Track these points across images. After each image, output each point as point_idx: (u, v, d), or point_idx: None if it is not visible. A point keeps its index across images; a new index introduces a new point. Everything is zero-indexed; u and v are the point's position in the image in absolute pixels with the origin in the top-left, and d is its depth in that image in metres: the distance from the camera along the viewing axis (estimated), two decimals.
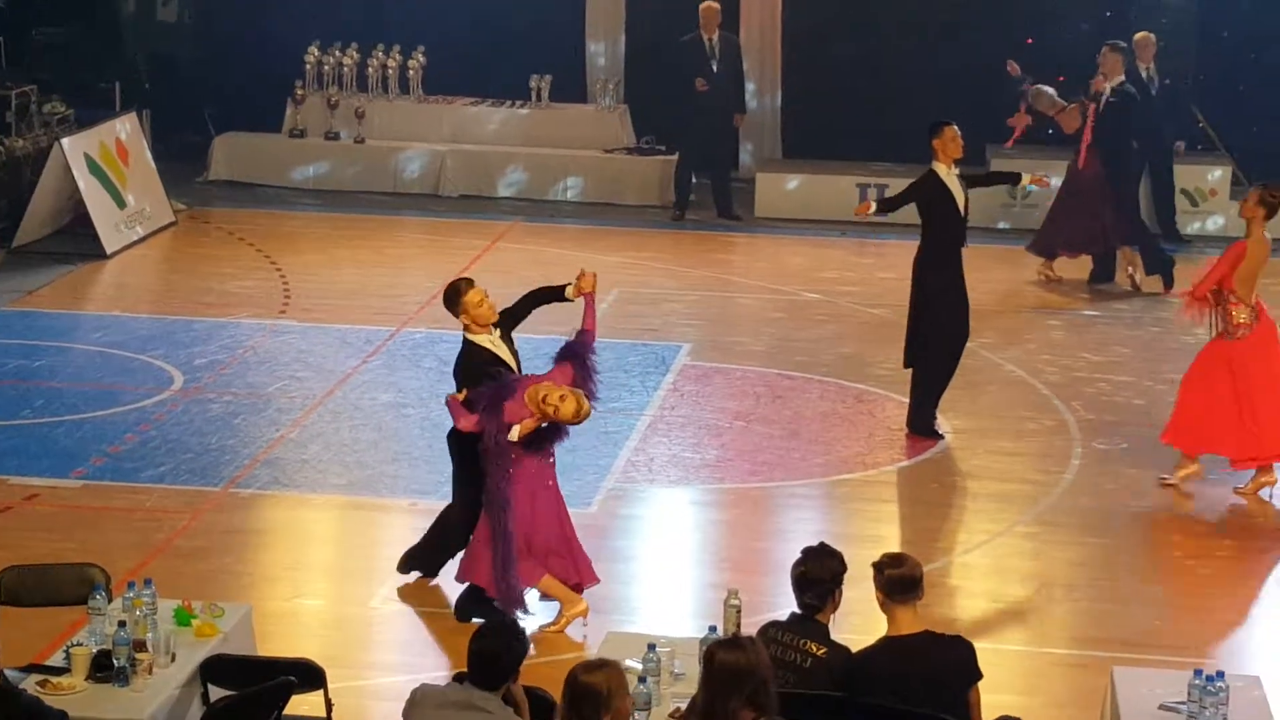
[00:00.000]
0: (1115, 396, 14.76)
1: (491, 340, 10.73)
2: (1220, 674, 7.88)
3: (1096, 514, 12.40)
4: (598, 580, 10.70)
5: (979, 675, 7.91)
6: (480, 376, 10.46)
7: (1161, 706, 8.00)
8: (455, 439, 10.77)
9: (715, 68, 20.09)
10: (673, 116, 20.50)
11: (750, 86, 21.44)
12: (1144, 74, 19.48)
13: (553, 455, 10.56)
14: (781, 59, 21.97)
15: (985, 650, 8.62)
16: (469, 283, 10.80)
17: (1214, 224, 20.16)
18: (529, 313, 11.08)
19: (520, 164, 21.07)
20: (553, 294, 11.01)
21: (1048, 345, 16.05)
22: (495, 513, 10.34)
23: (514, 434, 10.23)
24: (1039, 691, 9.98)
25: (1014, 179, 14.13)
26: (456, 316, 10.81)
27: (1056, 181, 17.30)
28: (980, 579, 11.60)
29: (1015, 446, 13.63)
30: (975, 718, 7.92)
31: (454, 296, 10.73)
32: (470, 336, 10.76)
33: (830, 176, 20.36)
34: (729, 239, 19.87)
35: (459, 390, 10.55)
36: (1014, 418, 13.99)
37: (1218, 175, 20.22)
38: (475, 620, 10.18)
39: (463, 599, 10.66)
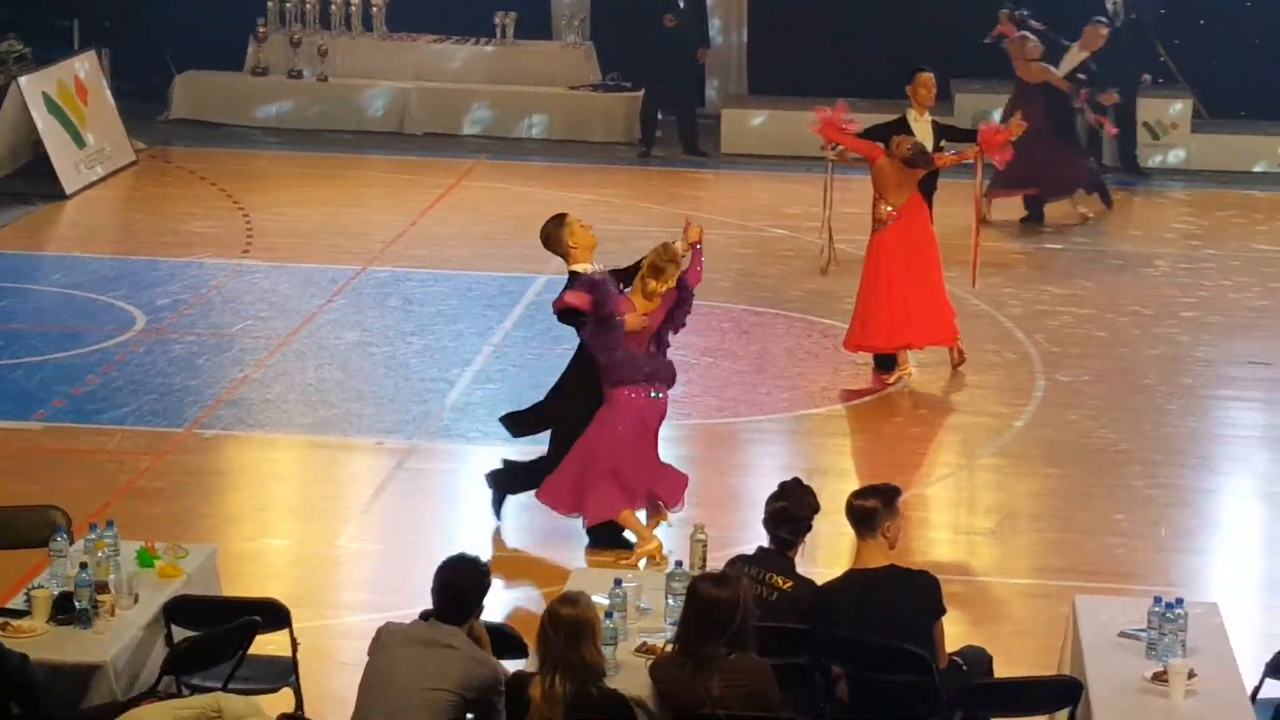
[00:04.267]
0: (1077, 329, 14.81)
1: (592, 270, 10.62)
2: (1179, 601, 7.94)
3: (1059, 445, 12.45)
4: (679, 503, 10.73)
5: (943, 610, 7.96)
6: None
7: (1122, 634, 8.05)
8: (578, 373, 10.72)
9: (681, 3, 20.01)
10: (638, 53, 20.45)
11: (716, 22, 21.39)
12: (1110, 7, 19.51)
13: (662, 396, 10.55)
14: None
15: (950, 581, 8.69)
16: (561, 215, 10.74)
17: (1175, 157, 20.22)
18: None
19: (485, 101, 20.99)
20: None
21: (1011, 279, 16.08)
22: (592, 433, 10.49)
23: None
24: (1002, 620, 10.06)
25: (972, 137, 14.06)
26: (560, 252, 10.71)
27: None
28: (944, 511, 11.67)
29: (979, 379, 13.67)
30: (939, 650, 7.97)
31: (554, 231, 10.67)
32: (574, 268, 10.64)
33: (796, 112, 20.22)
34: (695, 175, 19.84)
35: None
36: (978, 351, 14.02)
37: (1179, 109, 20.26)
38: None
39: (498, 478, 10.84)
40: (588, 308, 10.30)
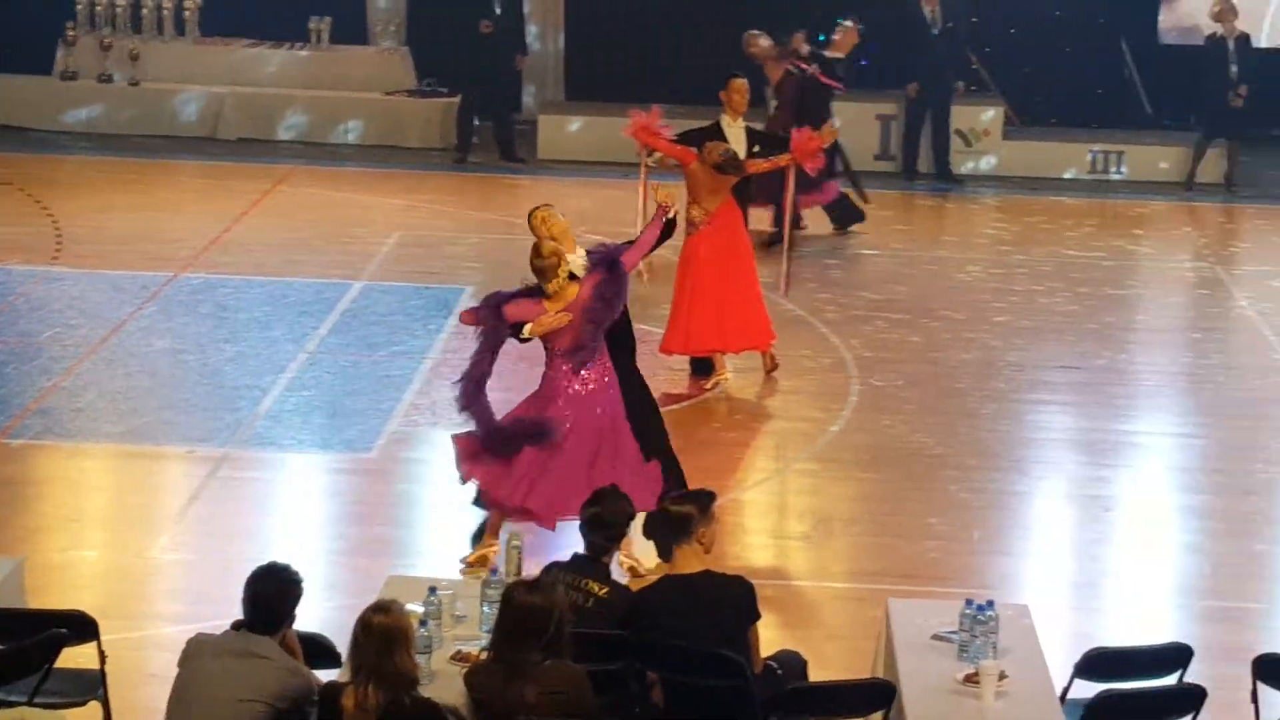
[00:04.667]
0: (892, 334, 14.95)
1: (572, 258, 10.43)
2: (990, 603, 8.02)
3: (874, 450, 12.55)
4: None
5: (757, 615, 8.00)
6: None
7: (934, 636, 8.12)
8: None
9: (497, 9, 20.00)
10: (455, 58, 20.40)
11: (533, 28, 21.37)
12: (928, 16, 19.76)
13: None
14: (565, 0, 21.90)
15: (765, 586, 8.72)
16: (535, 208, 10.76)
17: (987, 164, 20.50)
18: None
19: (300, 107, 20.83)
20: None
21: (826, 284, 16.21)
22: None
23: (527, 331, 10.15)
24: (817, 624, 10.13)
25: (785, 145, 14.10)
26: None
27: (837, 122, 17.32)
28: (761, 516, 11.72)
29: (795, 385, 13.77)
30: (754, 654, 8.01)
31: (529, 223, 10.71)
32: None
33: (613, 119, 20.27)
34: (511, 181, 19.81)
35: None
36: (793, 356, 14.11)
37: (991, 116, 20.54)
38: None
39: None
40: (471, 322, 10.28)
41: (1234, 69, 19.65)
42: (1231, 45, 19.71)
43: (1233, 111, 19.65)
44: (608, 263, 10.22)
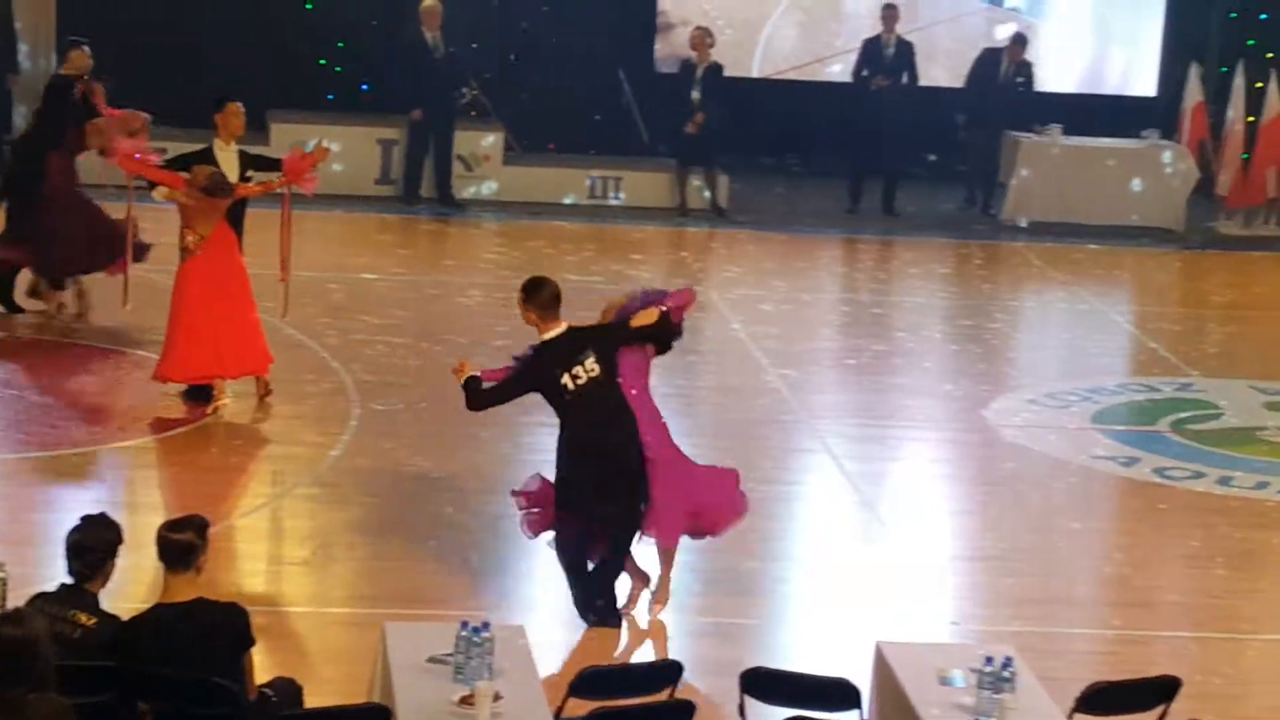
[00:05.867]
0: (392, 358, 14.96)
1: None
2: (486, 625, 8.08)
3: (374, 473, 12.52)
4: None
5: (251, 641, 7.90)
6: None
7: (431, 659, 8.13)
8: None
9: None
10: None
11: (23, 47, 20.77)
12: (429, 41, 19.88)
13: None
14: (57, 18, 21.29)
15: (263, 612, 8.64)
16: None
17: (488, 189, 20.69)
18: None
19: None
20: None
21: (327, 308, 16.11)
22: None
23: None
24: (315, 650, 10.03)
25: (277, 165, 13.92)
26: None
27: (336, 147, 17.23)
28: (260, 542, 11.59)
29: (295, 409, 13.64)
30: (249, 682, 7.90)
31: None
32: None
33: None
34: None
35: None
36: (294, 381, 14.00)
37: (491, 141, 20.74)
38: None
39: None
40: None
41: (695, 96, 20.25)
42: (699, 73, 20.32)
43: (698, 138, 20.22)
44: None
